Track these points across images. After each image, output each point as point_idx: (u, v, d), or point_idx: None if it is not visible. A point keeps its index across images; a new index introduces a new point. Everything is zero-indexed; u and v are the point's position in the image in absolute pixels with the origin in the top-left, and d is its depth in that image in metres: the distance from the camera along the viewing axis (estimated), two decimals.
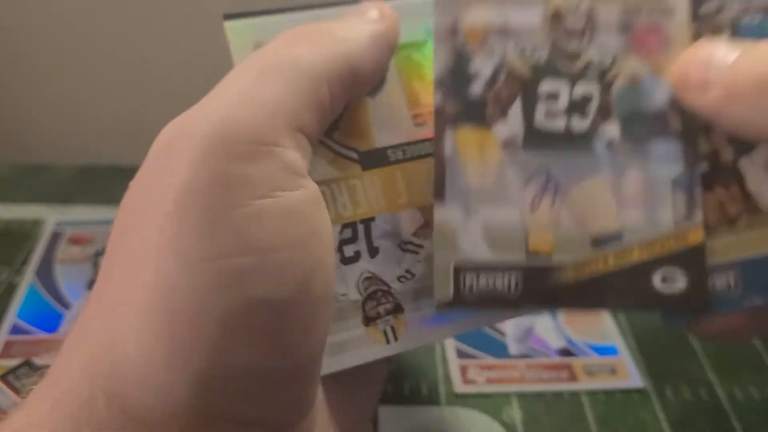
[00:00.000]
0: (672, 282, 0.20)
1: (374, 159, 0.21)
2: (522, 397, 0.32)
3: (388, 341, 0.20)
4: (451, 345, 0.34)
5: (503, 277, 0.20)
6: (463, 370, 0.33)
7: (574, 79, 0.21)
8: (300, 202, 0.16)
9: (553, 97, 0.21)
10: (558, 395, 0.32)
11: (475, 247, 0.20)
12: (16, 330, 0.34)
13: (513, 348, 0.34)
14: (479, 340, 0.34)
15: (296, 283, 0.15)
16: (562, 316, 0.36)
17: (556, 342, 0.34)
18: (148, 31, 0.57)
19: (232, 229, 0.15)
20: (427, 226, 0.21)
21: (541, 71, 0.21)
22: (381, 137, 0.21)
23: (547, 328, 0.35)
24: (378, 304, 0.20)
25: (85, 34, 0.58)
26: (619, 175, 0.21)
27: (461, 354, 0.34)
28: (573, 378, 0.33)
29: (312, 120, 0.17)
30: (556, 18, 0.21)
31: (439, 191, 0.20)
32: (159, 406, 0.15)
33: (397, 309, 0.21)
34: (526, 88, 0.21)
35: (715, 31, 0.21)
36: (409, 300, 0.21)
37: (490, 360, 0.33)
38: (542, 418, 0.31)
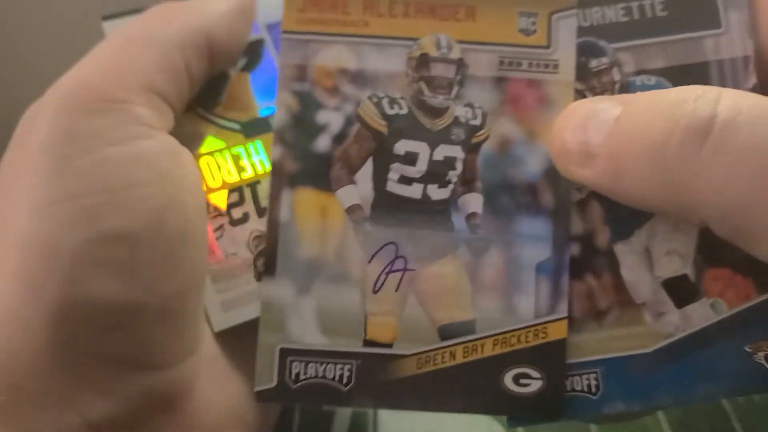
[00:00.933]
0: (526, 383, 0.18)
1: (256, 128, 0.20)
2: None
3: None
4: None
5: (335, 367, 0.18)
6: None
7: (436, 140, 0.18)
8: (148, 148, 0.17)
9: (410, 159, 0.18)
10: None
11: (305, 330, 0.18)
12: None
13: None
14: None
15: (146, 220, 0.16)
16: None
17: None
18: None
19: (79, 173, 0.16)
20: None
21: (398, 127, 0.19)
22: (263, 108, 0.20)
23: None
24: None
25: (85, 34, 0.58)
26: (478, 256, 0.18)
27: None
28: None
29: (165, 82, 0.18)
30: (422, 64, 0.18)
31: (270, 263, 0.18)
32: (22, 347, 0.15)
33: None
34: (380, 147, 0.19)
35: (603, 91, 0.18)
36: None
37: None
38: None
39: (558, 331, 0.18)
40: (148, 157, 0.17)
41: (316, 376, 0.18)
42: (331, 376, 0.18)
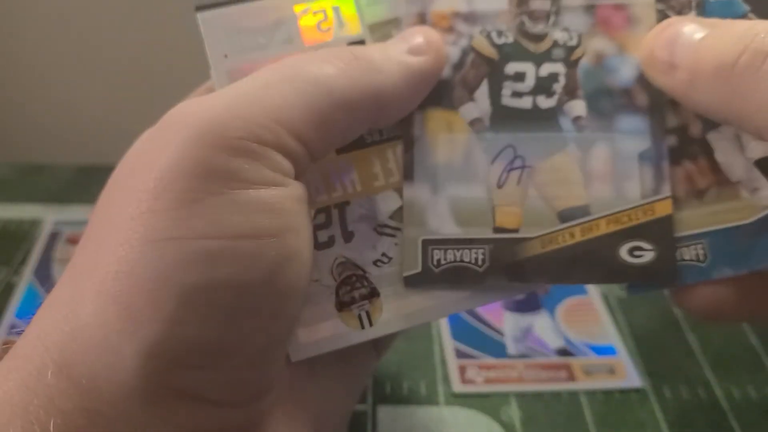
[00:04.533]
0: (640, 254, 0.20)
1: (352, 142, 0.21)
2: (520, 396, 0.32)
3: (362, 326, 0.20)
4: (449, 345, 0.34)
5: (470, 251, 0.20)
6: (462, 370, 0.33)
7: (540, 60, 0.21)
8: (279, 198, 0.16)
9: (519, 77, 0.21)
10: (556, 395, 0.32)
11: (442, 223, 0.20)
12: (14, 330, 0.34)
13: (511, 348, 0.34)
14: (478, 341, 0.34)
15: (264, 271, 0.16)
16: (561, 316, 0.36)
17: (555, 342, 0.34)
18: (148, 31, 0.57)
19: (205, 212, 0.15)
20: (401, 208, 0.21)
21: (507, 53, 0.21)
22: None
23: (546, 328, 0.35)
24: (352, 289, 0.20)
25: (85, 34, 0.58)
26: (586, 151, 0.21)
27: (460, 354, 0.34)
28: (571, 378, 0.33)
29: (314, 136, 0.17)
30: (522, 1, 0.22)
31: (408, 170, 0.21)
32: (108, 375, 0.15)
33: (373, 294, 0.20)
34: (493, 70, 0.21)
35: (681, 9, 0.21)
36: (386, 284, 0.20)
37: (488, 360, 0.33)
38: (541, 418, 0.31)
39: (664, 209, 0.20)
40: (279, 207, 0.16)
41: (454, 261, 0.20)
42: (468, 260, 0.20)
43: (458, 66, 0.21)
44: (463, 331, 0.35)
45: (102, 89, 0.60)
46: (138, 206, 0.15)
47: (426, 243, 0.20)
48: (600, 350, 0.34)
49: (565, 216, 0.20)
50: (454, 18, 0.22)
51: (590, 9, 0.21)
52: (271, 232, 0.16)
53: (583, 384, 0.32)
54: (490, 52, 0.21)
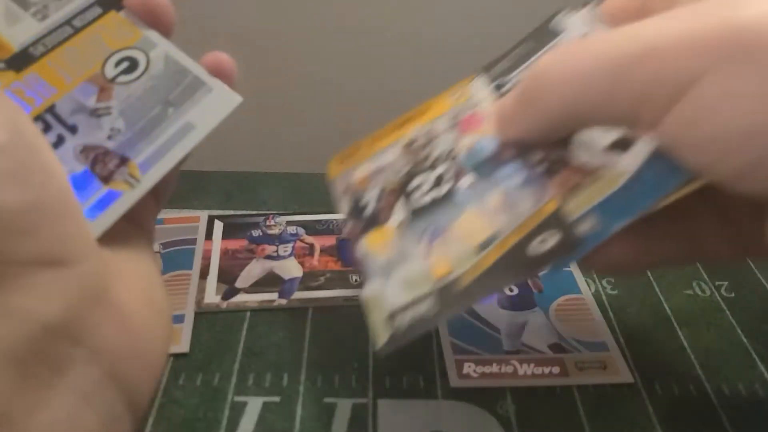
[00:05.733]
0: (546, 242, 0.24)
1: (21, 61, 0.23)
2: (515, 391, 0.33)
3: (133, 186, 0.22)
4: (447, 341, 0.35)
5: (422, 305, 0.24)
6: (459, 365, 0.34)
7: (431, 169, 0.28)
8: None
9: (420, 186, 0.28)
10: (550, 389, 0.33)
11: (396, 296, 0.25)
12: None
13: (507, 344, 0.35)
14: (474, 337, 0.35)
15: (2, 134, 0.17)
16: (554, 313, 0.37)
17: (548, 338, 0.35)
18: None
19: None
20: (102, 91, 0.24)
21: (408, 177, 0.29)
22: (15, 42, 0.23)
23: (540, 325, 0.36)
24: (105, 164, 0.23)
25: None
26: (481, 202, 0.26)
27: (457, 350, 0.35)
28: (565, 373, 0.33)
29: None
30: (408, 145, 0.30)
31: (363, 278, 0.27)
32: None
33: (124, 160, 0.23)
34: (402, 192, 0.28)
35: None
36: (129, 148, 0.23)
37: (484, 356, 0.34)
38: (535, 412, 0.32)
39: (551, 206, 0.24)
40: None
41: (413, 318, 0.24)
42: (423, 311, 0.24)
43: (378, 200, 0.29)
44: (460, 328, 0.36)
45: None
46: None
47: (390, 316, 0.25)
48: (592, 346, 0.35)
49: (483, 246, 0.25)
50: (369, 177, 0.30)
51: (455, 125, 0.29)
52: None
53: (576, 379, 0.33)
54: (397, 183, 0.29)
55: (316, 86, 0.58)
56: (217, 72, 0.25)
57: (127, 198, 0.22)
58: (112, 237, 0.21)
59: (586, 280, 0.39)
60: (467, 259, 0.25)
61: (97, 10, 0.25)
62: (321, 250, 0.41)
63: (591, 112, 0.22)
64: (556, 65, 0.23)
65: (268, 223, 0.43)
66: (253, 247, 0.41)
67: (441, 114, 0.30)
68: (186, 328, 0.36)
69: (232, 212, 0.45)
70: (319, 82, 0.58)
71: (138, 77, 0.24)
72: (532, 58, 0.29)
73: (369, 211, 0.28)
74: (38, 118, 0.23)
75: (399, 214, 0.28)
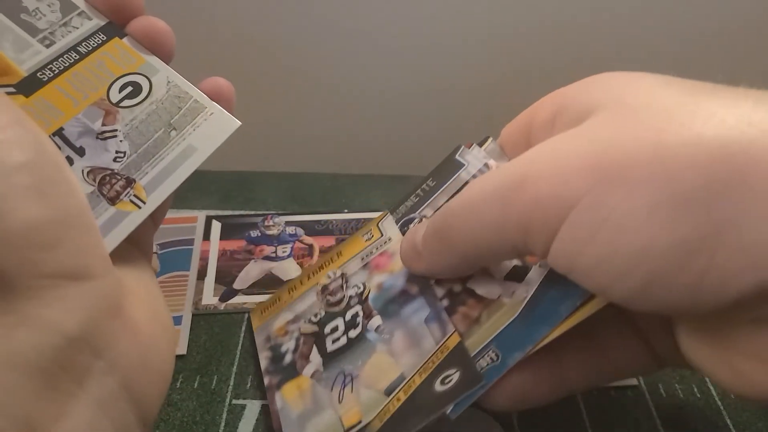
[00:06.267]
0: (449, 379, 0.25)
1: (30, 85, 0.24)
2: None
3: (139, 207, 0.23)
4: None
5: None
6: None
7: (343, 313, 0.30)
8: None
9: (334, 330, 0.30)
10: None
11: None
12: None
13: None
14: None
15: (29, 151, 0.18)
16: None
17: None
18: None
19: None
20: (107, 114, 0.24)
21: (323, 322, 0.30)
22: (24, 67, 0.24)
23: None
24: (111, 186, 0.23)
25: None
26: (389, 342, 0.27)
27: None
28: None
29: None
30: (323, 290, 0.32)
31: (279, 427, 0.28)
32: None
33: (130, 182, 0.23)
34: (318, 338, 0.30)
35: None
36: (134, 170, 0.24)
37: None
38: (538, 415, 0.31)
39: (453, 341, 0.26)
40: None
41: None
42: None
43: (295, 349, 0.31)
44: None
45: None
46: None
47: None
48: None
49: (389, 390, 0.26)
50: (286, 326, 0.32)
51: (366, 265, 0.31)
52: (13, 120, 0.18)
53: None
54: (312, 328, 0.31)
55: (315, 86, 0.58)
56: (216, 96, 0.26)
57: (134, 218, 0.23)
58: (116, 255, 0.21)
59: None
60: (375, 405, 0.26)
61: (102, 37, 0.26)
62: (320, 251, 0.41)
63: (489, 245, 0.23)
64: (457, 201, 0.24)
65: (266, 224, 0.43)
66: (252, 248, 0.41)
67: (354, 255, 0.32)
68: (183, 330, 0.35)
69: (230, 212, 0.44)
70: (319, 81, 0.58)
71: (141, 101, 0.25)
72: (435, 194, 0.30)
73: (287, 360, 0.30)
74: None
75: (315, 361, 0.29)
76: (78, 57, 0.25)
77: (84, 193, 0.20)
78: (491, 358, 0.24)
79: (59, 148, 0.23)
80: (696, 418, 0.31)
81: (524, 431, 0.31)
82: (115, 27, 0.26)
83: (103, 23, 0.26)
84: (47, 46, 0.25)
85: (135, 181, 0.23)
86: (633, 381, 0.33)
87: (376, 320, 0.29)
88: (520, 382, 0.25)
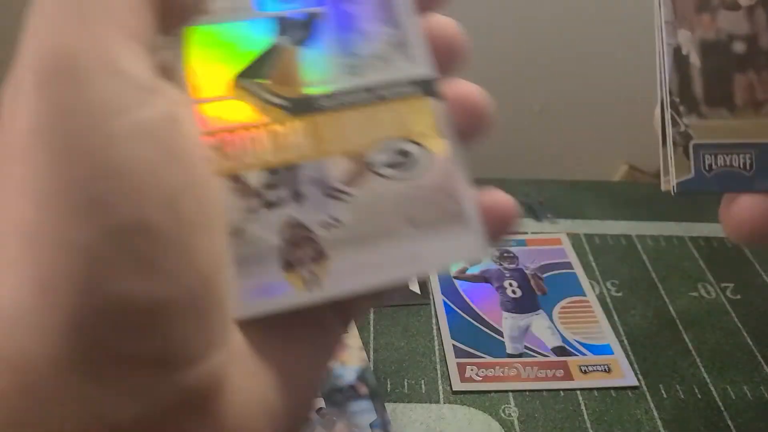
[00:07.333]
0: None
1: (302, 106, 0.20)
2: (519, 394, 0.32)
3: (309, 288, 0.19)
4: (449, 344, 0.35)
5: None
6: (461, 368, 0.33)
7: None
8: (149, 121, 0.15)
9: None
10: (554, 393, 0.32)
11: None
12: None
13: (510, 347, 0.35)
14: (477, 340, 0.35)
15: (160, 206, 0.15)
16: (558, 316, 0.37)
17: (552, 341, 0.35)
18: None
19: (82, 156, 0.14)
20: (357, 174, 0.20)
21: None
22: (310, 85, 0.20)
23: (543, 327, 0.36)
24: (300, 250, 0.20)
25: None
26: (330, 429, 0.27)
27: (459, 353, 0.34)
28: (568, 376, 0.33)
29: (143, 25, 0.16)
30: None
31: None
32: (38, 352, 0.14)
33: (321, 256, 0.19)
34: None
35: None
36: (335, 249, 0.20)
37: (487, 359, 0.34)
38: (538, 415, 0.31)
39: None
40: (150, 133, 0.15)
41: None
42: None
43: None
44: (462, 331, 0.36)
45: None
46: (17, 174, 0.15)
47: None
48: (596, 349, 0.35)
49: None
50: None
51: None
52: (155, 161, 0.15)
53: (579, 382, 0.33)
54: None
55: None
56: (489, 212, 0.20)
57: (296, 297, 0.19)
58: (280, 327, 0.18)
59: (590, 282, 0.39)
60: None
61: (413, 89, 0.21)
62: None
63: None
64: None
65: None
66: None
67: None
68: None
69: None
70: None
71: (401, 179, 0.20)
72: None
73: None
74: (273, 171, 0.20)
75: None
76: (370, 99, 0.21)
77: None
78: (743, 163, 0.21)
79: (276, 185, 0.20)
80: (696, 418, 0.31)
81: (524, 431, 0.31)
82: (435, 85, 0.21)
83: (424, 75, 0.21)
84: (350, 74, 0.21)
85: (327, 258, 0.20)
86: (634, 382, 0.33)
87: (319, 403, 0.29)
88: (755, 207, 0.20)
